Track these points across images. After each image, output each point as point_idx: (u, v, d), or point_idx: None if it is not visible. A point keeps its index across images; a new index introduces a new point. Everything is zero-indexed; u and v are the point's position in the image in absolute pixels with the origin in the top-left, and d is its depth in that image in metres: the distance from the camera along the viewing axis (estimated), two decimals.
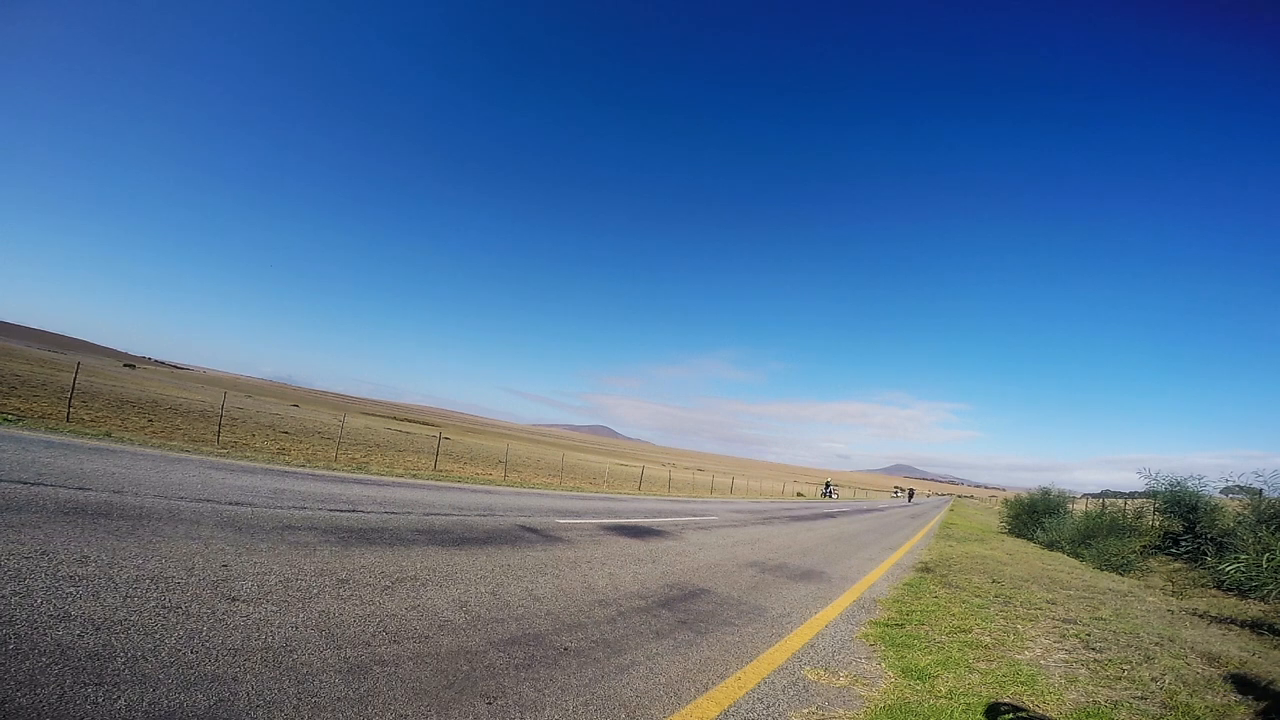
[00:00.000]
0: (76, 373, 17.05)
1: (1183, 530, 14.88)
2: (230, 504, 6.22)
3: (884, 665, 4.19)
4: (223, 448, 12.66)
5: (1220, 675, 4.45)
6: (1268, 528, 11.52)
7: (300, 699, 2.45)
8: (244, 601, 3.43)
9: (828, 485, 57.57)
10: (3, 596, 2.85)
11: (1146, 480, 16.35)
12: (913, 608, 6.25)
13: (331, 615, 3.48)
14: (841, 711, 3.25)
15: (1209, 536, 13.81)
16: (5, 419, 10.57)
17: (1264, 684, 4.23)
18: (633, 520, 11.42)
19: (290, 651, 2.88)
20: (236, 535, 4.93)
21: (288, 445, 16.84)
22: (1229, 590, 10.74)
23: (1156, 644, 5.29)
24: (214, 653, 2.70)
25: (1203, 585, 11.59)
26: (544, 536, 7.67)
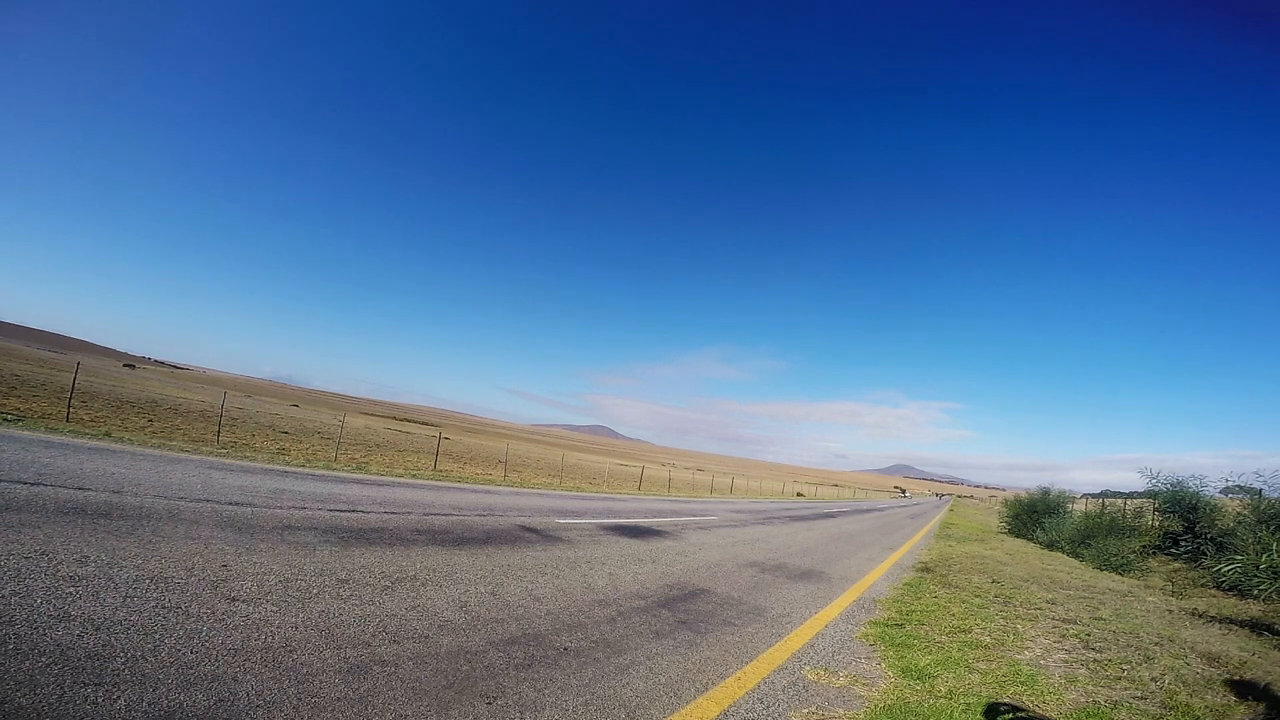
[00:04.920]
0: (76, 373, 17.04)
1: (1182, 530, 14.88)
2: (230, 504, 6.22)
3: (884, 665, 4.19)
4: (222, 448, 12.65)
5: (1220, 675, 4.45)
6: (1267, 528, 11.51)
7: (300, 699, 2.45)
8: (244, 601, 3.43)
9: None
10: (3, 596, 2.85)
11: (1147, 480, 16.35)
12: (913, 608, 6.24)
13: (331, 615, 3.48)
14: (841, 711, 3.25)
15: (1209, 536, 13.80)
16: (5, 419, 10.56)
17: (1263, 684, 4.23)
18: (633, 520, 11.42)
19: (290, 651, 2.88)
20: (236, 535, 4.93)
21: (287, 445, 16.84)
22: (1228, 590, 10.74)
23: (1156, 644, 5.29)
24: (214, 653, 2.70)
25: (1202, 585, 11.58)
26: (544, 536, 7.67)
